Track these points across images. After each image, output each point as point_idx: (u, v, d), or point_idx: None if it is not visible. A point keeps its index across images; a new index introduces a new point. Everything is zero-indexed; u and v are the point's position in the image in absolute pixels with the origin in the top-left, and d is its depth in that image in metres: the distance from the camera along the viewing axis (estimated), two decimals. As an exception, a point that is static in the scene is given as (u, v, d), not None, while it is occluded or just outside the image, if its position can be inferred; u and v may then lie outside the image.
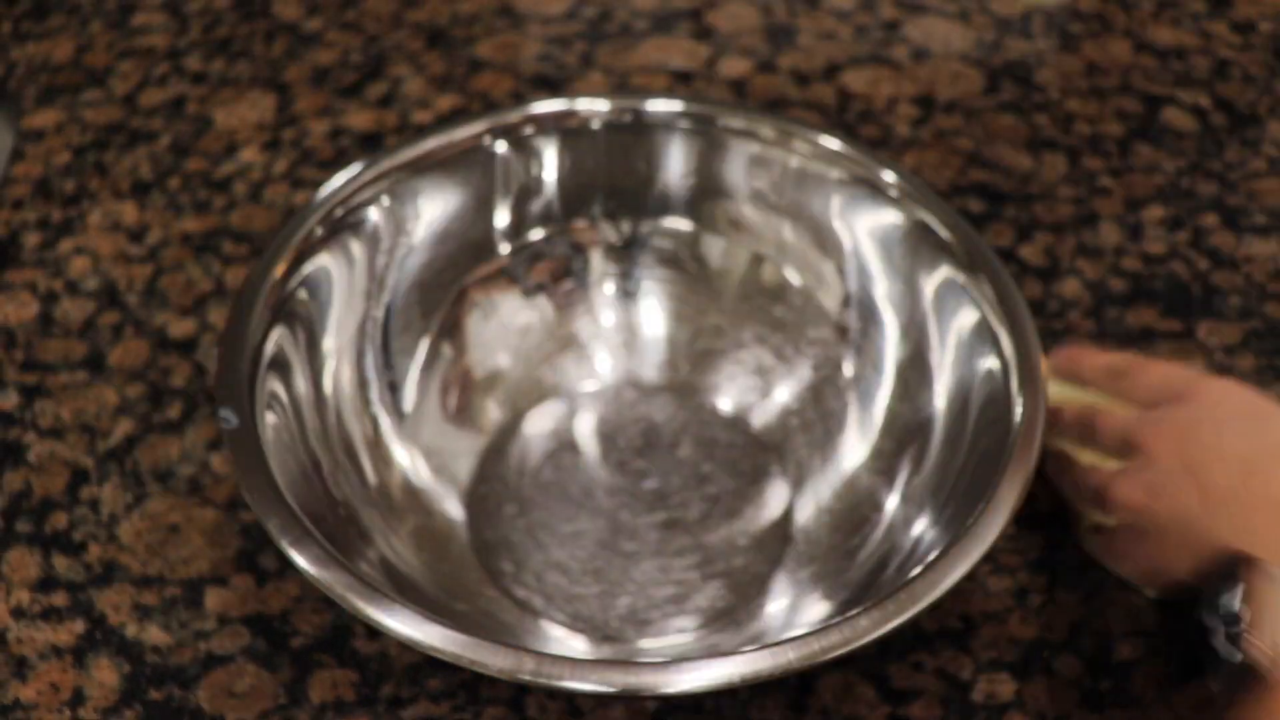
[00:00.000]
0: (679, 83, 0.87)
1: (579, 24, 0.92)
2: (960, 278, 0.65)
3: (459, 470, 0.68)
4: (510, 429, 0.70)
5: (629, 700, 0.60)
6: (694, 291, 0.72)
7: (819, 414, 0.68)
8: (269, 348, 0.62)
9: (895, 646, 0.63)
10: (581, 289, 0.73)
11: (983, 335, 0.63)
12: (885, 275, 0.68)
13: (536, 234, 0.72)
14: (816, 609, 0.62)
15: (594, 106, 0.71)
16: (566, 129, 0.71)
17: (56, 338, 0.75)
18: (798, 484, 0.67)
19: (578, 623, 0.63)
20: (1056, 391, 0.65)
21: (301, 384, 0.63)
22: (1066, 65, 0.90)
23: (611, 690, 0.51)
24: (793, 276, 0.70)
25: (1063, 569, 0.65)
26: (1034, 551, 0.66)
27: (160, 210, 0.81)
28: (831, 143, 0.69)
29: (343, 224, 0.67)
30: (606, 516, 0.67)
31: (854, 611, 0.53)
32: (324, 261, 0.66)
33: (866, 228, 0.68)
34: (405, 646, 0.55)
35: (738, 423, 0.70)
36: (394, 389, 0.68)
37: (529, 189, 0.71)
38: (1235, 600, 0.54)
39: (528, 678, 0.51)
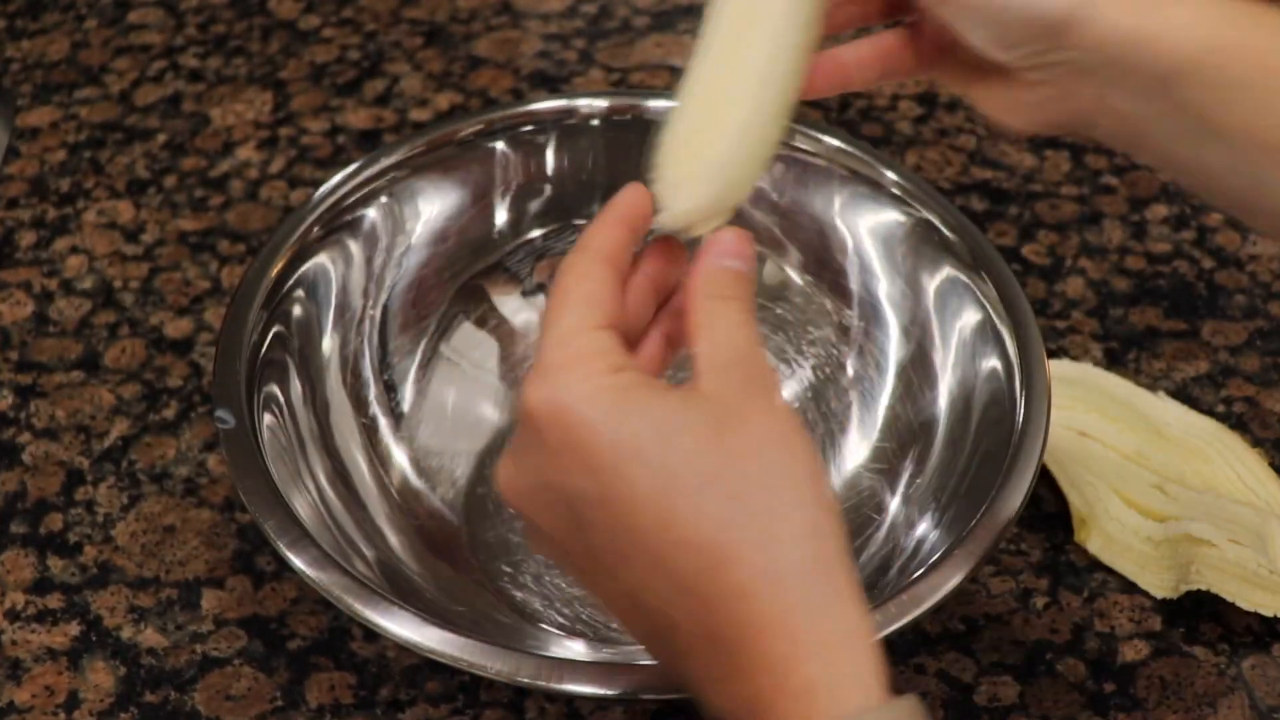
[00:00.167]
0: (679, 80, 0.87)
1: (578, 21, 0.91)
2: (963, 277, 0.64)
3: (457, 471, 0.67)
4: (509, 430, 0.69)
5: (628, 703, 0.60)
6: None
7: (821, 414, 0.68)
8: (266, 348, 0.62)
9: (897, 649, 0.62)
10: (581, 288, 0.72)
11: (985, 335, 0.62)
12: (887, 274, 0.67)
13: (536, 232, 0.71)
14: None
15: (594, 104, 0.70)
16: (566, 127, 0.70)
17: (51, 337, 0.74)
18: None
19: (576, 625, 0.62)
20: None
21: (298, 384, 0.63)
22: (1069, 63, 0.89)
23: (611, 693, 0.51)
24: (793, 276, 0.70)
25: (1066, 571, 0.65)
26: (1037, 553, 0.65)
27: (156, 209, 0.81)
28: (833, 141, 0.68)
29: (340, 223, 0.66)
30: (606, 517, 0.66)
31: (856, 614, 0.52)
32: (321, 260, 0.65)
33: (868, 226, 0.68)
34: (403, 649, 0.55)
35: (738, 423, 0.69)
36: (392, 389, 0.67)
37: (528, 187, 0.71)
38: None
39: (527, 680, 0.51)
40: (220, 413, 0.58)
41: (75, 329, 0.75)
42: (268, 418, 0.60)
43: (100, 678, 0.61)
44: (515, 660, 0.51)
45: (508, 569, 0.64)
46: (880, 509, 0.64)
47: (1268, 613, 0.61)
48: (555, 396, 0.43)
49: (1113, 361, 0.73)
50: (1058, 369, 0.70)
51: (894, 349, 0.67)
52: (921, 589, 0.53)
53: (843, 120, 0.85)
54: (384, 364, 0.67)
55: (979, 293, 0.63)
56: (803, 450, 0.43)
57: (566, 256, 0.46)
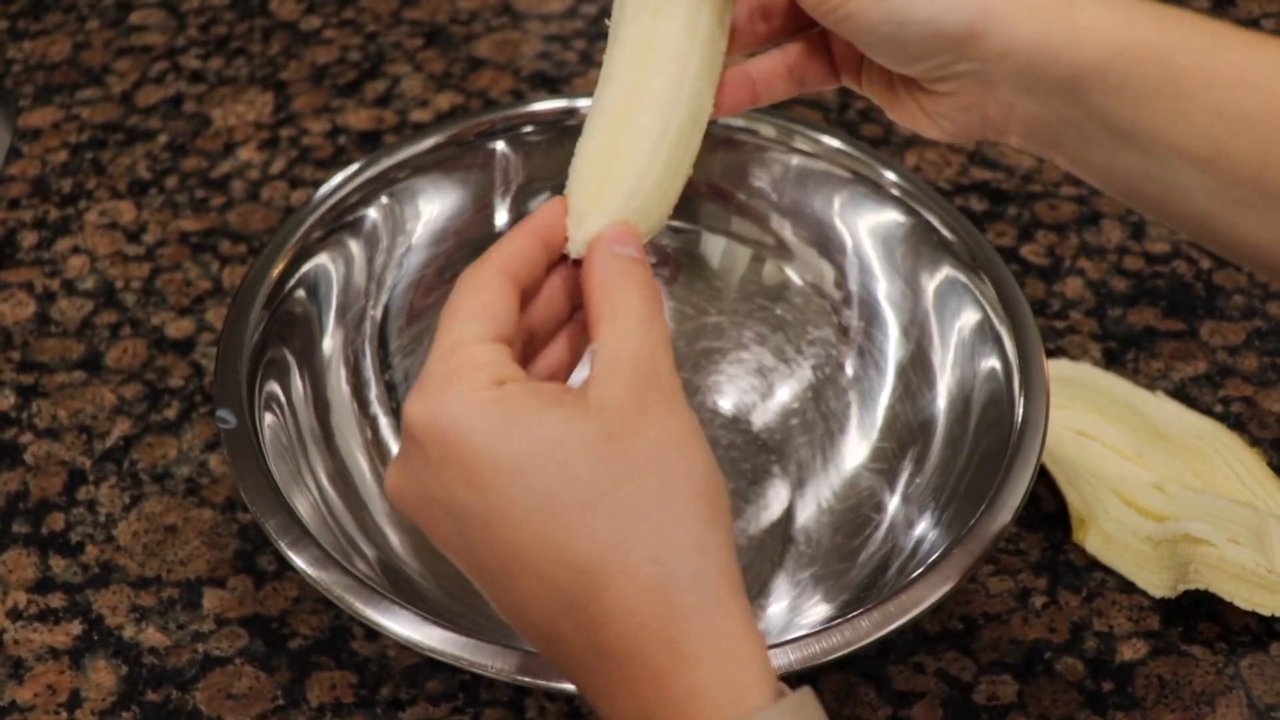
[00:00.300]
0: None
1: (579, 22, 0.91)
2: (962, 277, 0.64)
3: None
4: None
5: (629, 702, 0.60)
6: (694, 291, 0.72)
7: (820, 414, 0.68)
8: (267, 348, 0.62)
9: (897, 648, 0.62)
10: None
11: (984, 335, 0.63)
12: (886, 274, 0.67)
13: (536, 233, 0.71)
14: (817, 610, 0.61)
15: (594, 105, 0.70)
16: (566, 127, 0.70)
17: (53, 337, 0.74)
18: (799, 485, 0.67)
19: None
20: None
21: (300, 384, 0.63)
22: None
23: (611, 692, 0.51)
24: (793, 276, 0.70)
25: (1064, 570, 0.65)
26: (1036, 553, 0.66)
27: (158, 209, 0.81)
28: (833, 141, 0.68)
29: (341, 223, 0.66)
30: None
31: (855, 613, 0.52)
32: (323, 261, 0.65)
33: (868, 227, 0.68)
34: (404, 648, 0.55)
35: (738, 423, 0.69)
36: (393, 389, 0.67)
37: (528, 188, 0.71)
38: None
39: (527, 679, 0.51)
40: (221, 413, 0.58)
41: (77, 329, 0.75)
42: (269, 417, 0.60)
43: (102, 677, 0.61)
44: (516, 659, 0.51)
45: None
46: (879, 508, 0.64)
47: (1265, 612, 0.61)
48: (434, 411, 0.42)
49: (1111, 361, 0.73)
50: (1056, 369, 0.70)
51: (893, 349, 0.67)
52: (921, 588, 0.53)
53: (842, 121, 0.85)
54: (385, 364, 0.67)
55: (978, 293, 0.63)
56: (698, 459, 0.42)
57: (467, 267, 0.45)
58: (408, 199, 0.68)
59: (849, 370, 0.68)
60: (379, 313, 0.67)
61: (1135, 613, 0.64)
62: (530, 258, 0.46)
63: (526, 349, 0.47)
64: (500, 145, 0.70)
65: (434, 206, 0.69)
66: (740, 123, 0.70)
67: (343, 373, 0.65)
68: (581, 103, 0.70)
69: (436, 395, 0.42)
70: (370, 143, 0.84)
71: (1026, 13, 0.47)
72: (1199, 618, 0.63)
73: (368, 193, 0.67)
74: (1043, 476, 0.66)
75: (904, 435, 0.65)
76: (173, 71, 0.89)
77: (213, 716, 0.60)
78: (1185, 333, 0.74)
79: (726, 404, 0.70)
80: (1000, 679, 0.62)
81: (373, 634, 0.62)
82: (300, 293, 0.64)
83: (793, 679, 0.56)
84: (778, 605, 0.63)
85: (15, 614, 0.63)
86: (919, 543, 0.60)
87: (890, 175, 0.67)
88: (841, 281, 0.69)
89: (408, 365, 0.68)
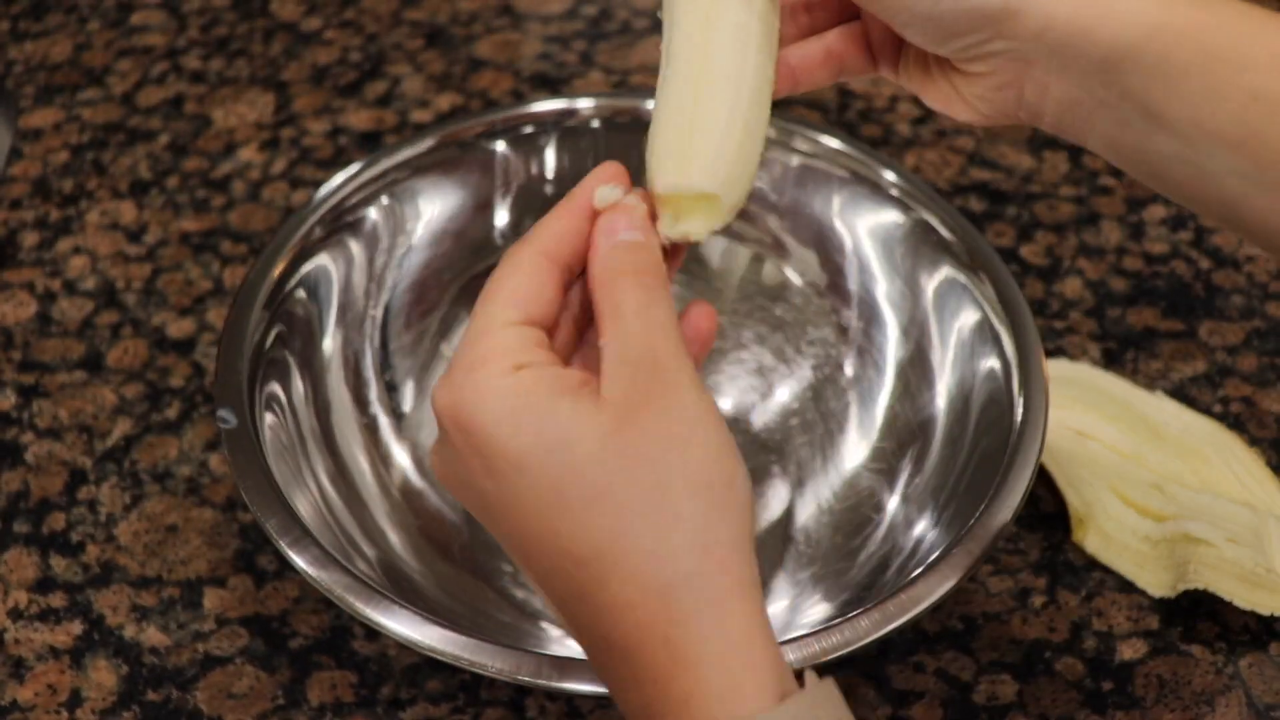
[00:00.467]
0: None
1: (579, 22, 0.91)
2: (961, 277, 0.64)
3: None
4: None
5: (629, 701, 0.60)
6: (694, 291, 0.72)
7: (819, 414, 0.68)
8: (268, 348, 0.62)
9: (896, 647, 0.62)
10: (581, 288, 0.73)
11: (984, 335, 0.63)
12: (886, 275, 0.67)
13: (536, 233, 0.71)
14: (817, 610, 0.61)
15: (594, 105, 0.71)
16: (566, 128, 0.70)
17: (54, 337, 0.74)
18: (798, 484, 0.67)
19: (577, 624, 0.62)
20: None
21: (300, 384, 0.63)
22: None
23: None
24: (793, 276, 0.70)
25: (1064, 570, 0.65)
26: (1035, 552, 0.66)
27: (158, 209, 0.81)
28: (832, 141, 0.69)
29: (341, 223, 0.66)
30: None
31: (855, 612, 0.53)
32: (323, 261, 0.65)
33: (867, 227, 0.68)
34: (404, 647, 0.55)
35: (738, 423, 0.69)
36: (393, 389, 0.67)
37: (529, 188, 0.71)
38: None
39: (527, 679, 0.51)
40: (222, 412, 0.58)
41: (78, 329, 0.75)
42: (269, 417, 0.60)
43: (102, 676, 0.62)
44: (516, 659, 0.51)
45: (508, 568, 0.64)
46: (879, 508, 0.64)
47: (1265, 612, 0.61)
48: (455, 396, 0.43)
49: (1110, 361, 0.73)
50: (1056, 369, 0.70)
51: (893, 349, 0.67)
52: (920, 588, 0.53)
53: (842, 121, 0.85)
54: (385, 364, 0.67)
55: (977, 293, 0.63)
56: (700, 452, 0.42)
57: (511, 246, 0.45)
58: (408, 199, 0.68)
59: (848, 370, 0.68)
60: (379, 313, 0.67)
61: (1134, 612, 0.64)
62: (574, 234, 0.46)
63: (581, 329, 0.47)
64: (500, 146, 0.70)
65: (434, 207, 0.69)
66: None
67: (343, 373, 0.66)
68: (582, 103, 0.70)
69: (460, 381, 0.43)
70: (371, 143, 0.84)
71: None
72: (1198, 617, 0.63)
73: (368, 193, 0.67)
74: (1042, 476, 0.66)
75: (903, 435, 0.65)
76: (174, 72, 0.89)
77: (213, 716, 0.60)
78: (1184, 333, 0.74)
79: (726, 404, 0.70)
80: (1000, 678, 0.62)
81: (373, 634, 0.62)
82: (301, 293, 0.64)
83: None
84: (778, 605, 0.63)
85: (16, 613, 0.64)
86: (918, 542, 0.60)
87: (890, 175, 0.67)
88: (841, 282, 0.69)
89: (408, 365, 0.68)
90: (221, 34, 0.92)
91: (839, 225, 0.69)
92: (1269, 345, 0.74)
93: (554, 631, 0.62)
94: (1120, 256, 0.78)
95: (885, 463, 0.65)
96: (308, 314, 0.64)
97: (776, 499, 0.67)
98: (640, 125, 0.70)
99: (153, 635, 0.63)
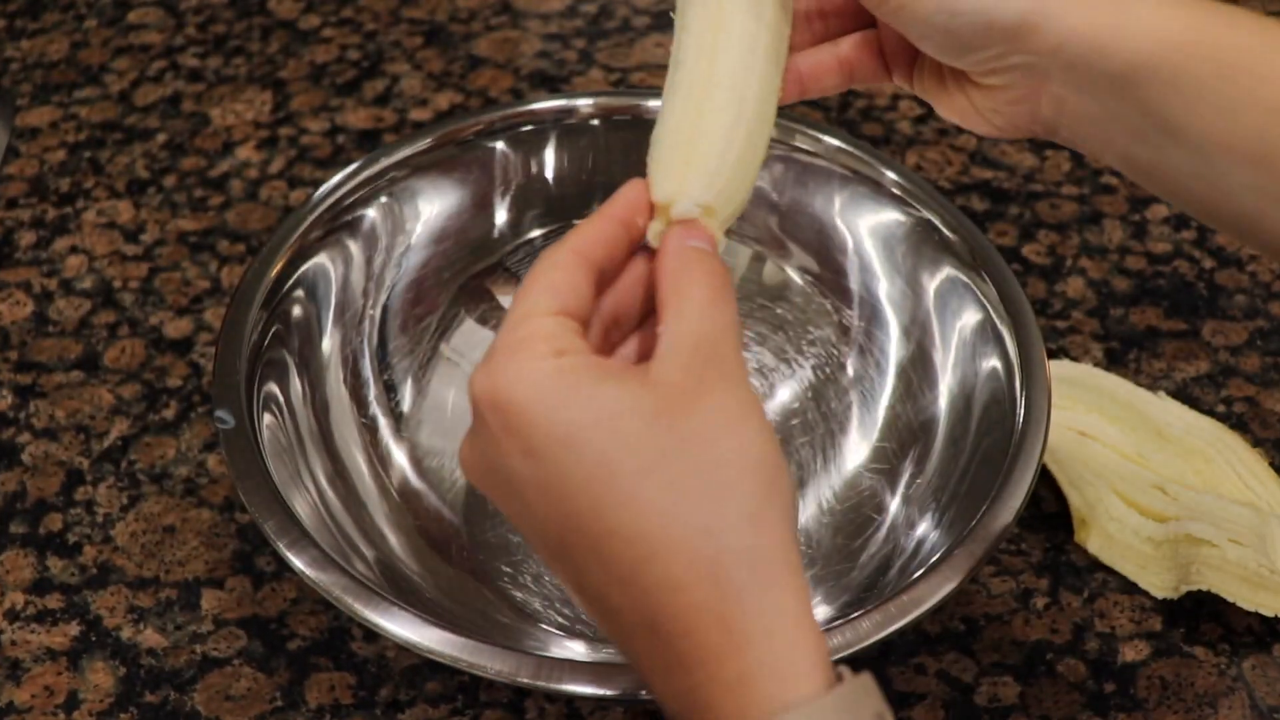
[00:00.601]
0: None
1: (578, 21, 0.91)
2: (963, 277, 0.64)
3: (457, 471, 0.67)
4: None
5: (628, 703, 0.60)
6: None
7: (821, 414, 0.68)
8: (266, 348, 0.62)
9: (897, 649, 0.62)
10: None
11: (986, 335, 0.62)
12: (887, 274, 0.67)
13: (536, 232, 0.71)
14: (818, 611, 0.61)
15: (593, 104, 0.70)
16: (566, 126, 0.70)
17: (51, 337, 0.74)
18: (799, 485, 0.67)
19: (576, 625, 0.62)
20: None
21: (298, 384, 0.63)
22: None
23: (610, 693, 0.51)
24: (794, 275, 0.70)
25: (1066, 571, 0.65)
26: (1037, 553, 0.65)
27: (156, 209, 0.81)
28: (833, 140, 0.68)
29: (340, 223, 0.66)
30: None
31: (856, 614, 0.52)
32: (321, 260, 0.65)
33: (869, 226, 0.68)
34: (403, 649, 0.55)
35: (738, 423, 0.69)
36: (392, 389, 0.67)
37: (528, 187, 0.71)
38: None
39: (526, 680, 0.51)
40: (220, 413, 0.58)
41: (75, 329, 0.75)
42: (267, 418, 0.60)
43: (100, 678, 0.61)
44: (515, 660, 0.51)
45: (507, 569, 0.64)
46: (880, 509, 0.64)
47: (1268, 613, 0.61)
48: (495, 380, 0.42)
49: (1113, 361, 0.73)
50: (1058, 369, 0.70)
51: (894, 349, 0.67)
52: (922, 589, 0.53)
53: (843, 120, 0.85)
54: (384, 364, 0.67)
55: (979, 292, 0.63)
56: (754, 436, 0.42)
57: (547, 248, 0.46)
58: (407, 198, 0.68)
59: (850, 370, 0.68)
60: (378, 313, 0.67)
61: (1137, 614, 0.63)
62: (609, 240, 0.46)
63: (609, 336, 0.47)
64: (500, 145, 0.70)
65: (433, 206, 0.69)
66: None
67: (341, 373, 0.65)
68: (581, 101, 0.70)
69: (500, 366, 0.42)
70: (369, 142, 0.84)
71: (1080, 6, 0.47)
72: (1201, 619, 0.63)
73: (367, 192, 0.67)
74: (1044, 477, 0.66)
75: (905, 435, 0.65)
76: (171, 70, 0.89)
77: (211, 718, 0.60)
78: (1187, 333, 0.74)
79: (727, 404, 0.70)
80: (1001, 680, 0.61)
81: (371, 635, 0.62)
82: (299, 292, 0.64)
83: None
84: (778, 606, 0.63)
85: (13, 615, 0.63)
86: (920, 543, 0.60)
87: (891, 174, 0.67)
88: (842, 281, 0.69)
89: (406, 365, 0.68)
90: (219, 32, 0.92)
91: (840, 224, 0.69)
92: (1272, 345, 0.74)
93: (553, 633, 0.62)
94: (1123, 256, 0.78)
95: (886, 463, 0.65)
96: (306, 314, 0.64)
97: (777, 499, 0.67)
98: (640, 124, 0.70)
99: (150, 636, 0.63)
